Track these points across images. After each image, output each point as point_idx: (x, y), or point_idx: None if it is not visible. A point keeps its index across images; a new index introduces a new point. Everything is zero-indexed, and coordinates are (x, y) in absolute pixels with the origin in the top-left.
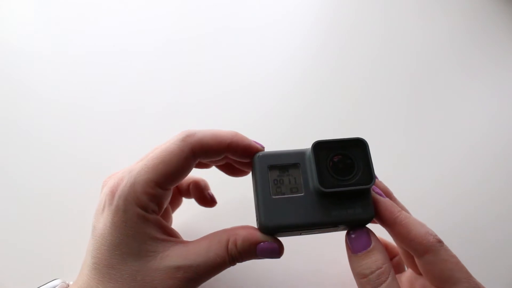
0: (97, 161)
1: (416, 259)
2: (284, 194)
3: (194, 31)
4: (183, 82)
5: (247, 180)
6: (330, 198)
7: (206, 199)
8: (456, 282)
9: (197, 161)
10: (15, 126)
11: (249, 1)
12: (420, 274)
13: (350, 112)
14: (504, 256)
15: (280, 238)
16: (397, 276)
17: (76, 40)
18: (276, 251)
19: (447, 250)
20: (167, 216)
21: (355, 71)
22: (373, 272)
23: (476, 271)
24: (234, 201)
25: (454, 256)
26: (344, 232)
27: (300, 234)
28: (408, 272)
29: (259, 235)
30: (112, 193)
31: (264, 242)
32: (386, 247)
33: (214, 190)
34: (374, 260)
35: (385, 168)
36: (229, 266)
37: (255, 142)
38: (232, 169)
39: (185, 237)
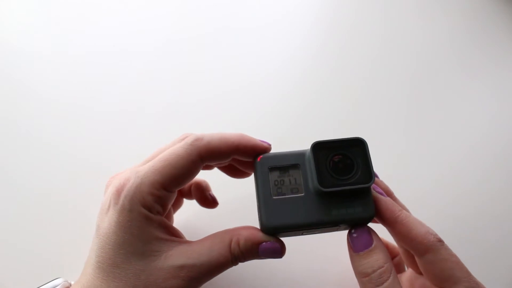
0: (97, 161)
1: (416, 259)
2: (284, 194)
3: (194, 31)
4: (183, 82)
5: (247, 181)
6: (330, 198)
7: (207, 200)
8: (457, 281)
9: (204, 165)
10: (15, 126)
11: (249, 1)
12: (420, 273)
13: (350, 112)
14: (504, 256)
15: (282, 238)
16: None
17: (76, 40)
18: (278, 251)
19: (447, 249)
20: (169, 217)
21: (355, 71)
22: (375, 271)
23: (476, 271)
24: (236, 201)
25: (454, 256)
26: (345, 231)
27: (302, 234)
28: (409, 272)
29: (261, 235)
30: (118, 193)
31: (266, 242)
32: (386, 247)
33: (215, 191)
34: (375, 259)
35: (385, 168)
36: (231, 266)
37: (262, 141)
38: (234, 171)
39: (186, 237)
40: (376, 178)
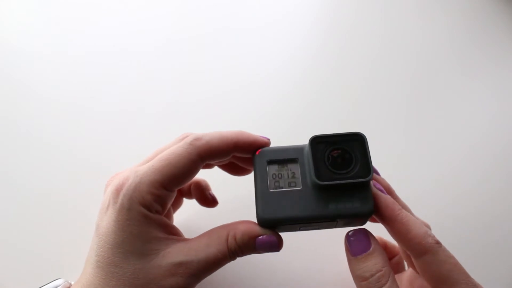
0: (97, 161)
1: (413, 260)
2: (281, 188)
3: (194, 31)
4: (183, 82)
5: (247, 180)
6: (328, 192)
7: (207, 199)
8: (455, 283)
9: (204, 164)
10: (15, 126)
11: (249, 1)
12: None
13: (350, 112)
14: (504, 256)
15: (282, 235)
16: (397, 275)
17: (76, 40)
18: (275, 245)
19: (445, 251)
20: (168, 216)
21: (355, 71)
22: (373, 275)
23: (476, 271)
24: (236, 200)
25: (452, 257)
26: (344, 229)
27: (299, 229)
28: (409, 272)
29: (257, 229)
30: (117, 192)
31: (263, 236)
32: (385, 246)
33: (215, 190)
34: (374, 263)
35: (385, 168)
36: (229, 261)
37: (260, 136)
38: (235, 168)
39: (186, 236)
40: (377, 175)
